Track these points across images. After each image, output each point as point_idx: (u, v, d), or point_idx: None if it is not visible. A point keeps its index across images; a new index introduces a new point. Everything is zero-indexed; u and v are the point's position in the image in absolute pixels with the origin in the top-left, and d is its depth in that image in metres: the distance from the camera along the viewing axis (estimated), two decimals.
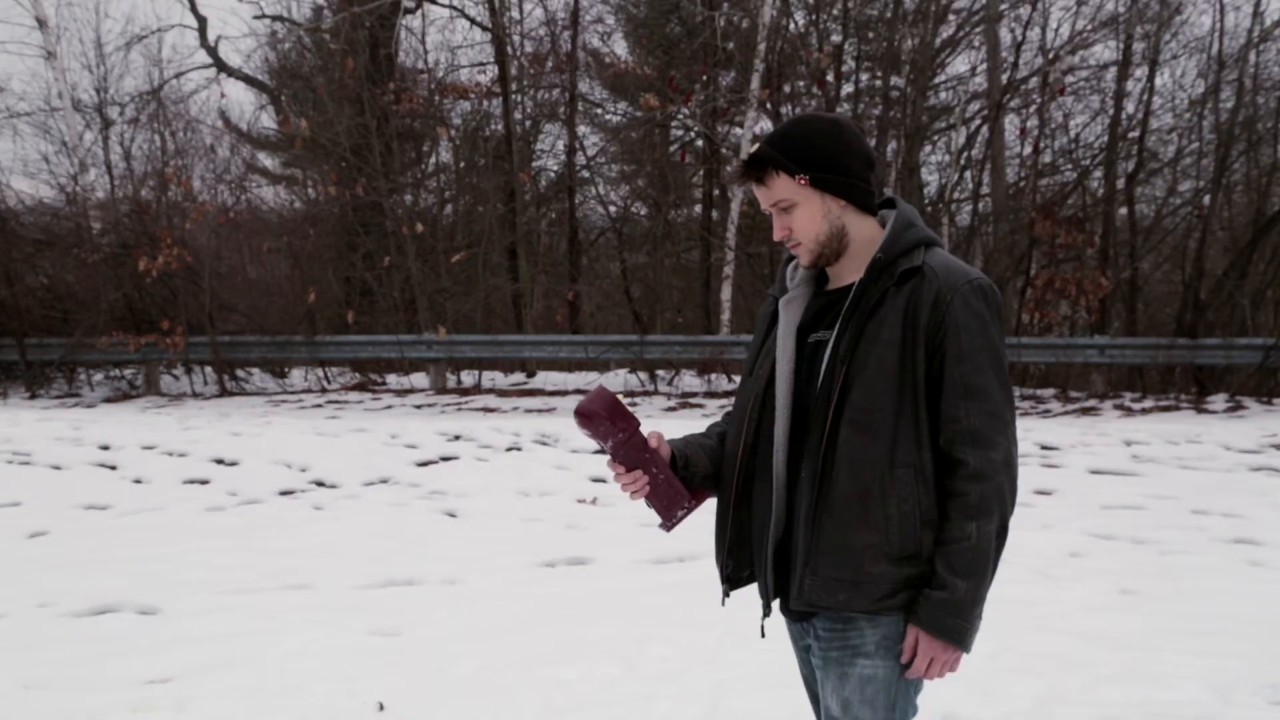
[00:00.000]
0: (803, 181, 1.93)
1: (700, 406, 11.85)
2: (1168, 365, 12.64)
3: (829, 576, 1.89)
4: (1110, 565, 5.48)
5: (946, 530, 1.85)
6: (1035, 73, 14.53)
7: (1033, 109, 14.75)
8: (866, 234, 1.98)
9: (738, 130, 15.97)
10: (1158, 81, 14.36)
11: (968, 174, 15.77)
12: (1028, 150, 15.07)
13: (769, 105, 14.74)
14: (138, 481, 7.83)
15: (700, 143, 17.54)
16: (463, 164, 17.79)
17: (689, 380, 13.38)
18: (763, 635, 2.11)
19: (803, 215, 1.95)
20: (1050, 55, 14.42)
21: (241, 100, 36.90)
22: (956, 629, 1.86)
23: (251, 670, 3.92)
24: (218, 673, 3.89)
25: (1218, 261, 14.40)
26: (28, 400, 13.28)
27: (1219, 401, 11.54)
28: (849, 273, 2.00)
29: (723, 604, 2.14)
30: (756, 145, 1.96)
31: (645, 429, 2.01)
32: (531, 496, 7.38)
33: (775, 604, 2.04)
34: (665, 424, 9.72)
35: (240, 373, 14.38)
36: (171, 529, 6.50)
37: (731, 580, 2.08)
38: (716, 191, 17.31)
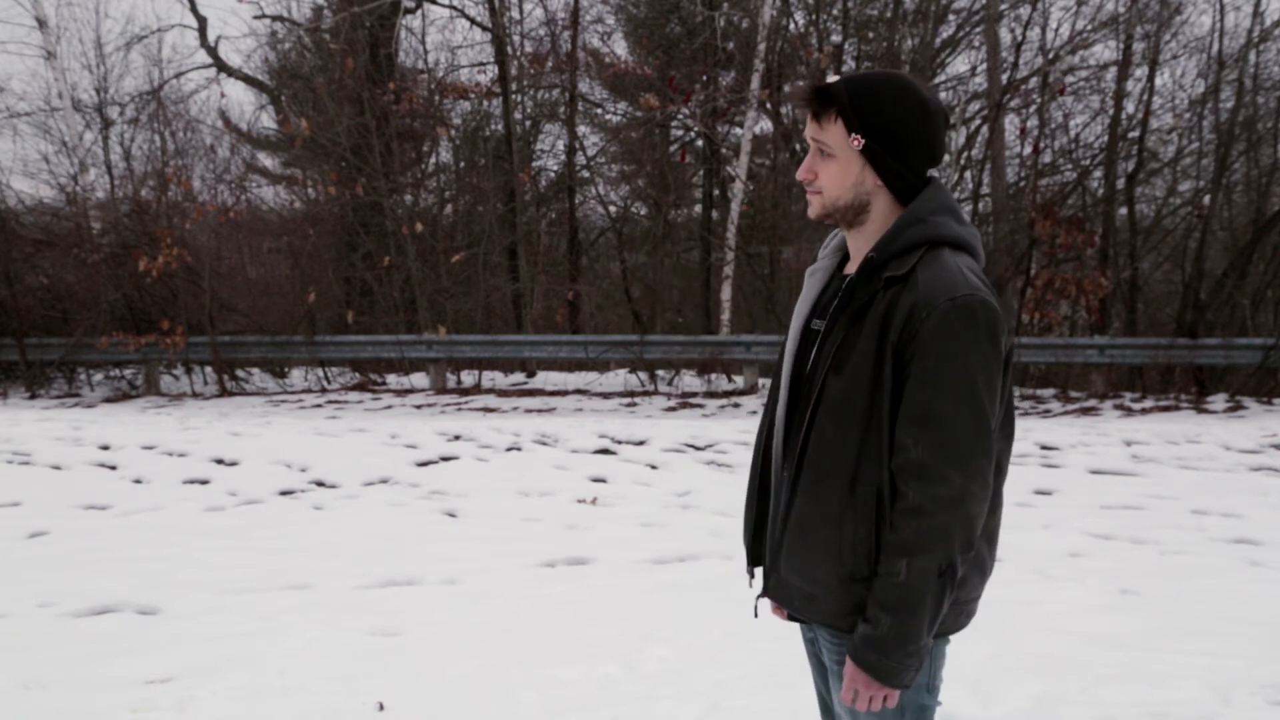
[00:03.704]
0: (856, 143, 1.79)
1: (700, 406, 11.85)
2: (1168, 365, 12.64)
3: (789, 582, 1.88)
4: (1110, 565, 5.48)
5: (880, 563, 1.74)
6: (1035, 73, 14.53)
7: (1033, 109, 14.76)
8: (887, 220, 1.84)
9: (738, 130, 15.98)
10: (1158, 81, 14.38)
11: (968, 174, 15.77)
12: (1028, 150, 15.06)
13: (769, 105, 14.75)
14: (138, 481, 7.82)
15: (700, 143, 17.55)
16: (463, 164, 17.79)
17: (689, 380, 13.39)
18: (755, 615, 2.12)
19: (835, 172, 1.81)
20: (1050, 55, 14.42)
21: (241, 100, 36.90)
22: (879, 666, 1.75)
23: (251, 670, 3.92)
24: (218, 673, 3.89)
25: (1218, 261, 14.40)
26: (28, 400, 13.28)
27: (1219, 401, 11.54)
28: (858, 260, 1.90)
29: (749, 585, 2.14)
30: (836, 77, 1.81)
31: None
32: (531, 496, 7.37)
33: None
34: (665, 424, 9.76)
35: (240, 373, 14.38)
36: (171, 529, 6.50)
37: (758, 560, 2.06)
38: (716, 191, 17.32)
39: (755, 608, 2.12)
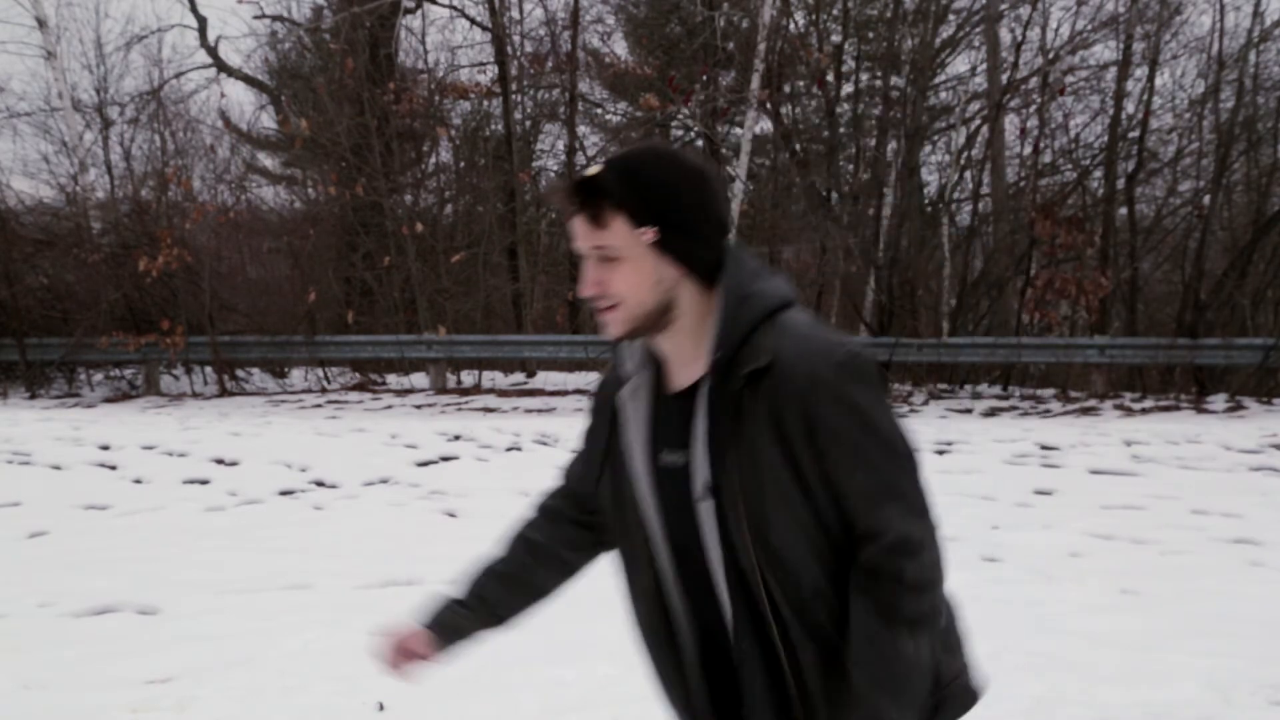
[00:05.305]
0: (647, 237, 1.48)
1: None
2: (1168, 365, 12.64)
3: None
4: (1110, 565, 5.48)
5: (868, 648, 1.47)
6: (1035, 73, 14.54)
7: (1033, 109, 14.78)
8: (700, 310, 1.54)
9: (738, 130, 15.99)
10: (1158, 81, 14.39)
11: (968, 174, 15.77)
12: (1028, 150, 15.10)
13: (769, 105, 14.75)
14: (138, 481, 7.82)
15: (700, 143, 17.55)
16: (463, 164, 17.80)
17: None
18: None
19: (629, 275, 1.50)
20: (1050, 55, 14.43)
21: (241, 100, 36.86)
22: None
23: (251, 670, 3.92)
24: (218, 673, 3.89)
25: (1218, 261, 14.40)
26: (28, 400, 13.27)
27: (1219, 401, 11.54)
28: (684, 366, 1.57)
29: None
30: (598, 167, 1.52)
31: None
32: (532, 496, 7.37)
33: None
34: None
35: (240, 373, 14.38)
36: (171, 529, 6.50)
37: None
38: None
39: None
